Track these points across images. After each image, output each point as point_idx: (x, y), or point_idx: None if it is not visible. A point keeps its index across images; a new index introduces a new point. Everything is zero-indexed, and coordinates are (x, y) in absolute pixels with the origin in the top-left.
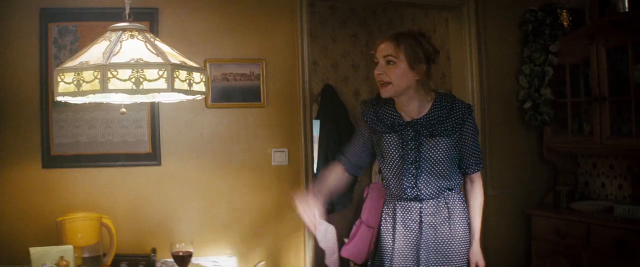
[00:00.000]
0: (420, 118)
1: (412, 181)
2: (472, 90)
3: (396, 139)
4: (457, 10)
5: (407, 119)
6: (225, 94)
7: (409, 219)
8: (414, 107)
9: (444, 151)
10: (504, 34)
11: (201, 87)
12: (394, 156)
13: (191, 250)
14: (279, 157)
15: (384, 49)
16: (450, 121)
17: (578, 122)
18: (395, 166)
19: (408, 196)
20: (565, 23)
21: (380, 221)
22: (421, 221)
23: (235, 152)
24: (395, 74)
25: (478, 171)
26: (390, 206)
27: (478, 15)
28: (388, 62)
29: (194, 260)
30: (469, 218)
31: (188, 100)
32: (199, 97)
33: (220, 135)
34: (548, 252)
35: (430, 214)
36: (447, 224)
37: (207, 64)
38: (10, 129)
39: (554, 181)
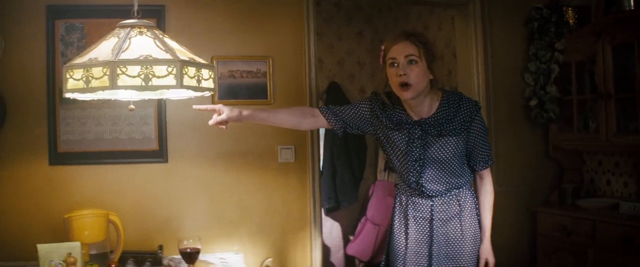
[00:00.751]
0: (429, 117)
1: (415, 176)
2: (478, 88)
3: (403, 136)
4: (463, 7)
5: (416, 118)
6: (231, 91)
7: (421, 217)
8: (423, 107)
9: (452, 150)
10: (509, 31)
11: (210, 84)
12: (400, 151)
13: (199, 247)
14: (286, 154)
15: (405, 48)
16: (458, 120)
17: (584, 120)
18: (400, 160)
19: (414, 189)
20: (570, 21)
21: (392, 217)
22: (432, 218)
23: (241, 149)
24: (416, 75)
25: (487, 167)
26: (403, 202)
27: (484, 12)
28: (410, 62)
29: (200, 257)
30: (479, 215)
31: (195, 97)
32: (207, 93)
33: (226, 132)
34: (553, 249)
35: (441, 211)
36: (458, 219)
37: (214, 61)
38: (17, 126)
39: (559, 178)
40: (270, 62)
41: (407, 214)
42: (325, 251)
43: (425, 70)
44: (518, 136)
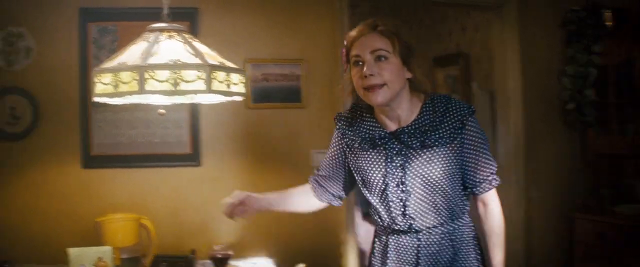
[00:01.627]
0: (408, 126)
1: (400, 208)
2: (514, 91)
3: (377, 156)
4: (499, 10)
5: (392, 128)
6: (265, 95)
7: (404, 260)
8: (401, 113)
9: (440, 165)
10: (546, 34)
11: (240, 89)
12: (376, 178)
13: (231, 253)
14: (319, 158)
15: (371, 42)
16: (446, 126)
17: (622, 124)
18: (379, 191)
19: (400, 227)
20: (608, 23)
21: (369, 261)
22: (418, 264)
23: (275, 153)
24: (390, 73)
25: (491, 189)
26: (383, 241)
27: (520, 15)
28: (379, 58)
29: (232, 262)
30: (482, 257)
31: (228, 101)
32: (238, 98)
33: (260, 136)
34: (591, 256)
35: (429, 254)
36: None
37: (247, 64)
38: (50, 128)
39: (597, 183)
40: (304, 65)
41: (387, 256)
42: (361, 255)
43: (400, 68)
44: (555, 140)
